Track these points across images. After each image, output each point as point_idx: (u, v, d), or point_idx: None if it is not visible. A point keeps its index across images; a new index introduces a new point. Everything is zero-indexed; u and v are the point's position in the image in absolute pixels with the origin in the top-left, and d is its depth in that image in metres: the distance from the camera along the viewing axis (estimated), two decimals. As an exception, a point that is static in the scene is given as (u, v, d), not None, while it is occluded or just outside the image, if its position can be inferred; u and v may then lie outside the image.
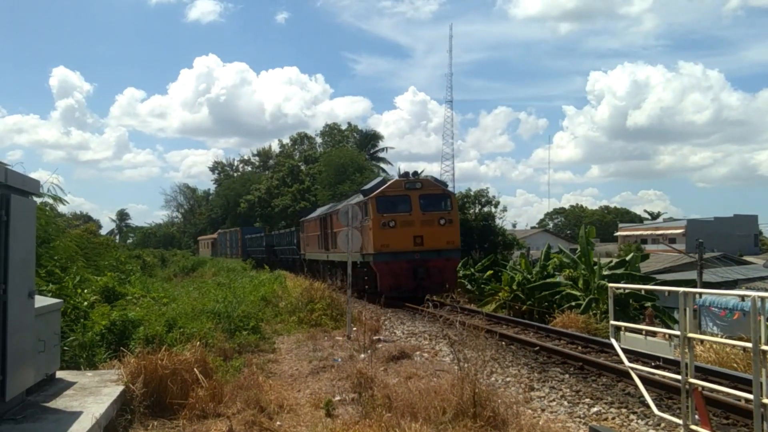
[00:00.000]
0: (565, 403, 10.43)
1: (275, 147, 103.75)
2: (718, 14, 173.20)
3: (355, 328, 17.39)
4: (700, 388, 6.37)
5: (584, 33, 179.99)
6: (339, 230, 27.05)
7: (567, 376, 12.38)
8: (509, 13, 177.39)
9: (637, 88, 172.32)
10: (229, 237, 77.45)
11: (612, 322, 7.77)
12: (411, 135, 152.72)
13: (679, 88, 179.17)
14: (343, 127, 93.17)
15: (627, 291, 23.90)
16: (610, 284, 8.20)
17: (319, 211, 41.70)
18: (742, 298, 5.51)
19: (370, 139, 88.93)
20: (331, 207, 36.42)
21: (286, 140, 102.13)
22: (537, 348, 15.08)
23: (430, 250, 26.16)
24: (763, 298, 5.29)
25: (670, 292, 6.86)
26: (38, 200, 11.01)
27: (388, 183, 27.85)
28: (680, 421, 6.69)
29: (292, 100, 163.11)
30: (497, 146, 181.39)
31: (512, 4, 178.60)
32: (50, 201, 20.53)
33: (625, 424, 9.18)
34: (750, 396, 5.33)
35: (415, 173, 27.99)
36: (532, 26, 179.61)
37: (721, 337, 14.88)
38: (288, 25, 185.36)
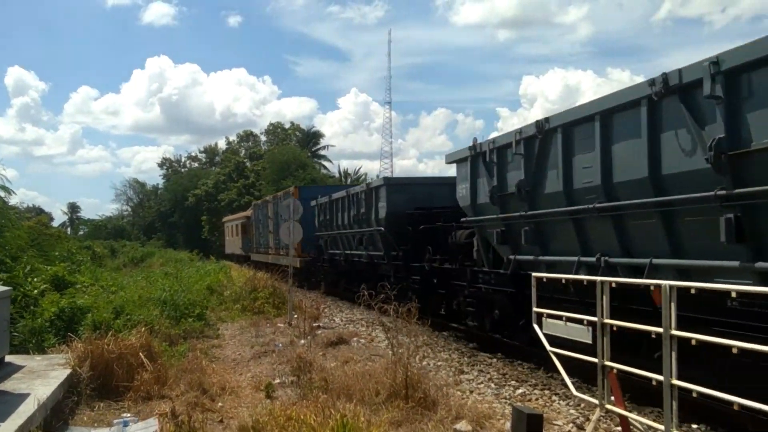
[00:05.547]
0: (492, 385, 10.53)
1: (222, 144, 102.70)
2: (648, 24, 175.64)
3: (296, 316, 17.36)
4: (614, 371, 6.51)
5: (519, 40, 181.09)
6: None
7: (495, 360, 12.52)
8: (450, 20, 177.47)
9: (568, 92, 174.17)
10: (273, 210, 34.60)
11: (535, 309, 7.87)
12: (354, 134, 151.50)
13: (609, 92, 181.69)
14: (287, 126, 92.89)
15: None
16: (534, 273, 8.30)
17: None
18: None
19: (312, 137, 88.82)
20: None
21: (233, 137, 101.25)
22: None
23: None
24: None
25: (588, 281, 6.98)
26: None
27: None
28: (597, 402, 6.84)
29: (242, 100, 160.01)
30: (436, 145, 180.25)
31: (453, 12, 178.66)
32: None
33: (547, 404, 9.33)
34: (662, 378, 5.46)
35: None
36: (470, 33, 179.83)
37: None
38: (238, 29, 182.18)
